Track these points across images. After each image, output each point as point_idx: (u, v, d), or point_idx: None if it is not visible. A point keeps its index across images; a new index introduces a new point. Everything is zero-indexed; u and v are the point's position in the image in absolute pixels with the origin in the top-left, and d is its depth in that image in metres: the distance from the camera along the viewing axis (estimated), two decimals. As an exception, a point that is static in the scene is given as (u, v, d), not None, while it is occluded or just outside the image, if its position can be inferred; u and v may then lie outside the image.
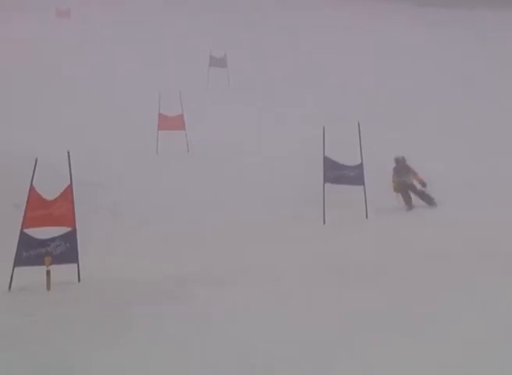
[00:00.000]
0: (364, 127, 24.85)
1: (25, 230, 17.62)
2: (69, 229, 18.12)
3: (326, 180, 24.50)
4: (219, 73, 47.00)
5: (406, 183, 25.27)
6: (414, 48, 54.09)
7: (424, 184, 25.51)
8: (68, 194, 18.16)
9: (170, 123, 33.96)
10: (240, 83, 45.57)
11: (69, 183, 18.19)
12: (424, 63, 50.23)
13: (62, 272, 17.60)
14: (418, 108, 39.93)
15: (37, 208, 17.79)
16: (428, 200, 25.31)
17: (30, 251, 17.60)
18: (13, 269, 17.36)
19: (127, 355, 12.50)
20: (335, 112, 36.52)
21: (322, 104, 39.64)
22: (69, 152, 18.15)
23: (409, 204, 25.35)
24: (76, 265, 17.90)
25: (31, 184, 17.71)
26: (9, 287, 17.32)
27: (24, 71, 43.40)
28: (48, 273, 17.43)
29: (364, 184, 24.58)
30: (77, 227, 18.12)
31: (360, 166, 24.66)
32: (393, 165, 25.73)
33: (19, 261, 17.48)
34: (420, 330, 13.35)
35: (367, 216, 24.39)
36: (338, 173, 24.59)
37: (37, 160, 17.59)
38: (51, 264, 17.52)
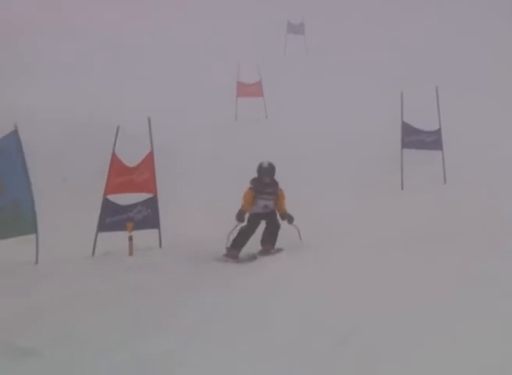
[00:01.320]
0: (442, 92, 24.58)
1: (107, 197, 17.75)
2: (150, 195, 18.23)
3: (404, 145, 24.36)
4: (297, 40, 46.73)
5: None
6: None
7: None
8: (149, 160, 18.25)
9: (248, 90, 34.00)
10: (317, 50, 45.23)
11: (150, 149, 18.26)
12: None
13: (143, 237, 17.71)
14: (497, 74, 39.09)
15: (120, 175, 17.90)
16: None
17: (112, 217, 17.75)
18: (96, 235, 17.51)
19: (206, 317, 12.50)
20: (412, 77, 36.02)
21: (399, 68, 39.14)
22: (149, 119, 18.21)
23: None
24: (157, 230, 18.00)
25: (113, 151, 17.80)
26: (93, 252, 17.47)
27: (106, 38, 43.35)
28: (130, 238, 17.56)
29: (442, 149, 24.39)
30: (158, 193, 18.21)
31: (438, 131, 24.47)
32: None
33: (102, 227, 17.63)
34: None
35: (445, 182, 24.17)
36: (416, 139, 24.42)
37: (118, 127, 17.66)
38: (133, 230, 17.66)
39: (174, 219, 18.98)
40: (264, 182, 17.33)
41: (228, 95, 33.53)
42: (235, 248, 17.01)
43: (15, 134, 17.31)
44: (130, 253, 17.50)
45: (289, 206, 17.46)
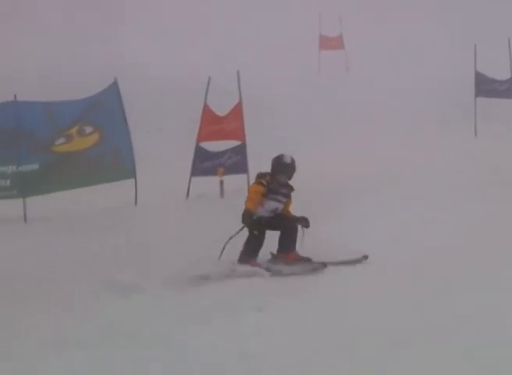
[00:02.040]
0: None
1: (200, 144, 17.97)
2: (239, 142, 18.39)
3: (478, 94, 24.29)
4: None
5: None
6: None
7: None
8: (238, 110, 18.40)
9: (330, 43, 33.92)
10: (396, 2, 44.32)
11: (238, 100, 18.41)
12: None
13: (233, 181, 17.91)
14: None
15: (211, 124, 18.11)
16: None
17: (204, 163, 17.98)
18: (190, 179, 17.76)
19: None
20: (483, 29, 35.48)
21: (471, 21, 38.52)
22: (238, 72, 18.34)
23: None
24: (246, 175, 18.17)
25: (205, 102, 17.99)
26: (187, 195, 17.73)
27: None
28: (221, 182, 17.77)
29: (514, 97, 24.27)
30: (246, 141, 18.37)
31: (510, 80, 24.29)
32: None
33: (195, 171, 17.88)
34: None
35: (517, 128, 24.08)
36: (489, 87, 24.31)
37: (209, 79, 17.82)
38: (223, 174, 17.86)
39: (261, 165, 19.07)
40: (280, 181, 12.47)
41: (310, 48, 33.43)
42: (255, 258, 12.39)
43: (114, 87, 17.61)
44: (221, 196, 17.72)
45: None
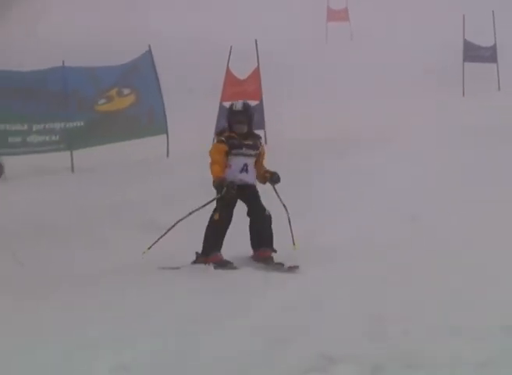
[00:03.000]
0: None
1: (223, 103, 18.10)
2: (257, 102, 18.50)
3: (465, 59, 24.41)
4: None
5: None
6: None
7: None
8: (256, 74, 18.55)
9: (337, 15, 33.72)
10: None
11: (256, 66, 18.52)
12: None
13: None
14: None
15: (233, 86, 18.25)
16: None
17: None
18: (215, 134, 17.88)
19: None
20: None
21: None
22: (256, 40, 18.42)
23: None
24: (263, 130, 18.29)
25: (227, 66, 18.10)
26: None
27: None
28: (241, 136, 17.89)
29: (497, 62, 24.30)
30: (264, 101, 18.50)
31: (494, 47, 24.42)
32: None
33: (219, 128, 17.98)
34: None
35: (499, 89, 24.11)
36: (475, 54, 24.43)
37: (231, 47, 17.91)
38: (244, 130, 17.98)
39: (278, 122, 19.14)
40: (240, 132, 9.60)
41: (318, 20, 33.17)
42: (213, 251, 9.45)
43: (149, 53, 17.79)
44: (242, 148, 17.86)
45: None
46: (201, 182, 14.35)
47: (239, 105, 9.85)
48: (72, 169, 16.94)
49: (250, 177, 9.73)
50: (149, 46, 17.75)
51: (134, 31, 25.95)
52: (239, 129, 9.65)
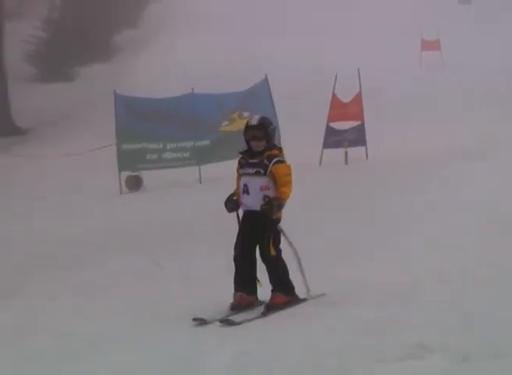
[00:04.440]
0: None
1: (329, 124, 18.13)
2: (359, 122, 18.44)
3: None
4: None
5: None
6: None
7: None
8: (358, 98, 18.46)
9: (430, 45, 33.19)
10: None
11: (358, 91, 18.45)
12: None
13: (355, 152, 17.98)
14: None
15: (337, 108, 18.23)
16: None
17: (333, 138, 18.11)
18: (322, 151, 17.90)
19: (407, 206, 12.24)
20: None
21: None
22: (358, 69, 18.36)
23: None
24: (364, 147, 18.21)
25: (333, 91, 18.11)
26: (320, 162, 17.90)
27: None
28: (346, 153, 17.87)
29: None
30: (365, 121, 18.41)
31: None
32: None
33: (326, 144, 18.03)
34: None
35: None
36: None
37: (336, 75, 17.90)
38: (347, 147, 17.95)
39: (378, 140, 18.90)
40: (256, 149, 7.47)
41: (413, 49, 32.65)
42: (240, 290, 7.55)
43: (265, 81, 18.03)
44: (346, 163, 17.83)
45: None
46: (313, 194, 14.49)
47: (254, 119, 7.63)
48: (200, 181, 17.25)
49: (251, 201, 7.41)
50: (265, 75, 18.01)
51: (251, 60, 26.16)
52: (254, 146, 7.49)
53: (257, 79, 18.41)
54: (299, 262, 7.59)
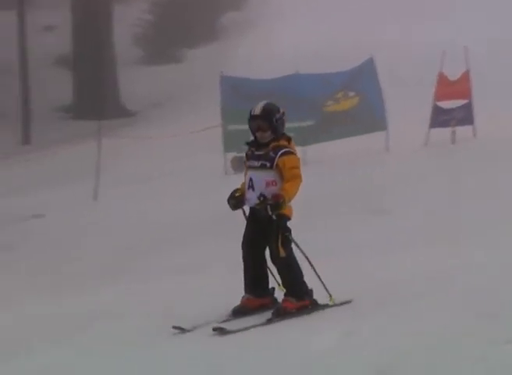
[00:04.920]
0: None
1: (437, 103, 17.73)
2: (466, 101, 17.95)
3: None
4: None
5: None
6: None
7: None
8: (466, 76, 17.95)
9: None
10: None
11: (466, 69, 17.94)
12: None
13: (462, 131, 17.53)
14: None
15: (445, 86, 17.78)
16: None
17: (440, 117, 17.69)
18: (429, 130, 17.52)
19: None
20: None
21: None
22: (466, 47, 17.84)
23: None
24: (471, 126, 17.72)
25: (441, 70, 17.68)
26: (426, 142, 17.53)
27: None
28: (453, 132, 17.43)
29: None
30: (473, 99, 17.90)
31: None
32: None
33: (433, 124, 17.63)
34: None
35: None
36: None
37: (444, 52, 17.45)
38: (455, 126, 17.52)
39: (486, 118, 18.32)
40: (261, 140, 6.97)
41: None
42: (248, 292, 7.07)
43: (371, 61, 17.85)
44: (452, 142, 17.41)
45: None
46: (419, 173, 14.25)
47: (258, 108, 7.01)
48: (304, 162, 17.13)
49: (255, 197, 6.82)
50: (371, 54, 17.75)
51: (356, 41, 25.75)
52: (260, 137, 6.94)
53: (362, 60, 18.15)
54: (311, 265, 6.89)
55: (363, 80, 17.74)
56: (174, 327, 6.66)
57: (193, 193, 15.03)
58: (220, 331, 6.49)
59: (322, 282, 6.91)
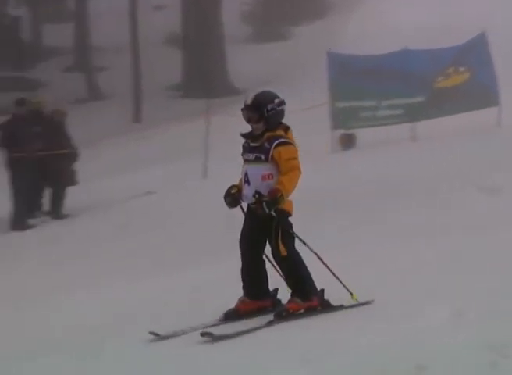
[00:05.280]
0: None
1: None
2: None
3: None
4: None
5: None
6: None
7: None
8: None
9: None
10: None
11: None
12: None
13: None
14: None
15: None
16: None
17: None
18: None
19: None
20: None
21: None
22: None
23: None
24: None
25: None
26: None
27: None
28: None
29: None
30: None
31: None
32: None
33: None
34: None
35: None
36: None
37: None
38: None
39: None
40: (255, 132, 6.54)
41: None
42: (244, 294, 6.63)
43: (483, 36, 17.37)
44: None
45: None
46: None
47: (249, 98, 6.50)
48: (414, 139, 16.92)
49: (251, 192, 6.41)
50: (483, 29, 17.29)
51: (465, 19, 25.02)
52: (253, 128, 6.50)
53: (473, 35, 17.66)
54: (325, 264, 6.46)
55: (474, 54, 17.32)
56: (150, 333, 6.32)
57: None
58: (209, 336, 6.06)
59: (339, 279, 6.45)
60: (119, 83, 27.02)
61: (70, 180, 14.48)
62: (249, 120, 6.47)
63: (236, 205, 6.57)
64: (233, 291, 6.63)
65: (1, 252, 11.97)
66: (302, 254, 6.46)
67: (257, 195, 6.26)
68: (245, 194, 6.46)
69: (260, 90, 6.69)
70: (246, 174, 6.47)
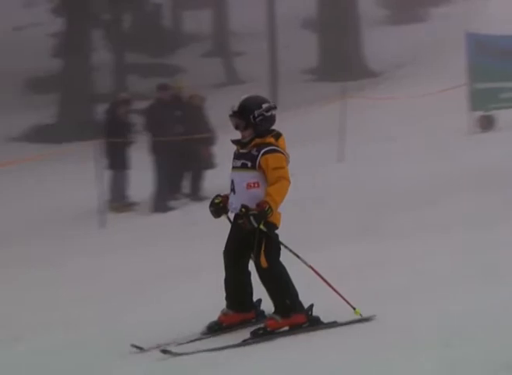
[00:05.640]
0: None
1: None
2: None
3: None
4: None
5: None
6: None
7: None
8: None
9: None
10: None
11: None
12: None
13: None
14: None
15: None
16: None
17: None
18: None
19: None
20: None
21: None
22: None
23: None
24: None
25: None
26: None
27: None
28: None
29: None
30: None
31: None
32: None
33: None
34: None
35: None
36: None
37: None
38: None
39: None
40: (243, 140, 6.32)
41: None
42: (227, 306, 6.47)
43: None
44: None
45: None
46: None
47: (236, 105, 6.24)
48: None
49: (237, 201, 6.19)
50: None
51: None
52: (242, 135, 6.28)
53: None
54: (322, 278, 6.17)
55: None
56: (132, 346, 6.16)
57: (439, 152, 14.83)
58: (169, 354, 5.89)
59: (338, 293, 6.18)
60: (255, 68, 27.37)
61: (208, 163, 14.83)
62: (236, 127, 6.27)
63: (220, 215, 6.38)
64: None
65: (144, 233, 12.43)
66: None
67: (243, 210, 5.99)
68: (231, 202, 6.26)
69: (247, 95, 6.31)
70: (232, 182, 6.25)
